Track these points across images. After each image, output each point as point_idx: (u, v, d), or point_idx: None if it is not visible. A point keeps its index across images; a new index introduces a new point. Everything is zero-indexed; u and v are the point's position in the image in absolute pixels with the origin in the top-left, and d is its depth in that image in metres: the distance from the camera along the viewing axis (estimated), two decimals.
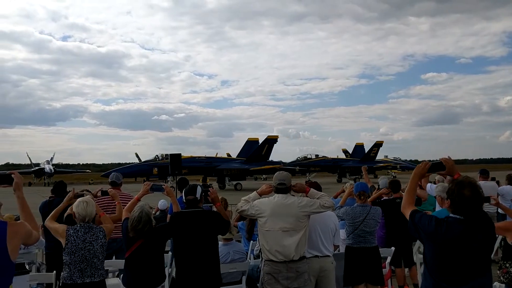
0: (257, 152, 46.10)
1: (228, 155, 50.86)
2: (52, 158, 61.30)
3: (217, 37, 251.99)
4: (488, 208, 8.84)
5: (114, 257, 6.92)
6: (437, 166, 3.49)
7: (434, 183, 8.99)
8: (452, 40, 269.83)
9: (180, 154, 21.08)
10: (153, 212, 8.69)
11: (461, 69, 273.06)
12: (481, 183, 9.54)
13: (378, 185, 8.25)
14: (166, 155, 40.12)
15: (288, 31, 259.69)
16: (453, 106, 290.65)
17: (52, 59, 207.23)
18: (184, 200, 4.79)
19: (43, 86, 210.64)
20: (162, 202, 9.68)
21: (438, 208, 6.79)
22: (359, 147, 61.47)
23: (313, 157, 55.56)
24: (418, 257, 7.77)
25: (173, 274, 5.41)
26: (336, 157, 59.16)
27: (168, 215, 5.88)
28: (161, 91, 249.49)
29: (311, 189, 5.07)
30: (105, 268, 5.87)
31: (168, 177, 34.01)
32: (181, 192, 5.36)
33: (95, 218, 4.66)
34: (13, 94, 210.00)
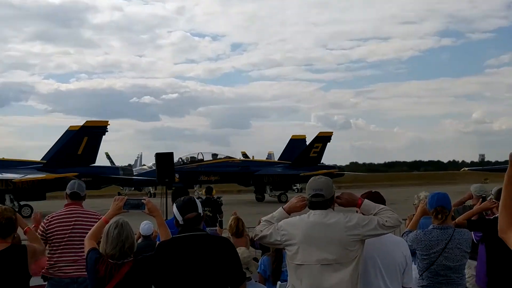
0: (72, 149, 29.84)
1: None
2: None
3: None
4: None
5: None
6: None
7: None
8: None
9: (172, 153, 16.32)
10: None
11: None
12: None
13: (485, 196, 6.66)
14: None
15: None
16: None
17: None
18: (182, 221, 3.70)
19: None
20: (146, 225, 7.48)
21: None
22: (296, 142, 38.91)
23: (206, 158, 35.65)
24: None
25: None
26: (251, 158, 40.61)
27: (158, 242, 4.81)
28: (142, 61, 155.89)
29: (365, 200, 3.99)
30: None
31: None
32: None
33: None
34: None
